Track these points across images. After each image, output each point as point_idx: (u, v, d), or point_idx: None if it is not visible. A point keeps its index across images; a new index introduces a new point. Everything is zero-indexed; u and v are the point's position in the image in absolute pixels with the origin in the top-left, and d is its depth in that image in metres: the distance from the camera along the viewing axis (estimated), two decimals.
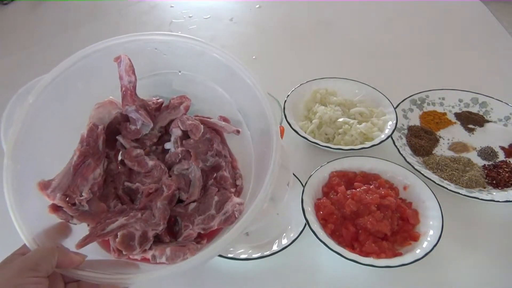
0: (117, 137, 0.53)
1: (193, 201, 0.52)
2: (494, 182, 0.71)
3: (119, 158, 0.54)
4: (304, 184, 0.64)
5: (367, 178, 0.68)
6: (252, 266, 0.60)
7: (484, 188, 0.70)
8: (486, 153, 0.77)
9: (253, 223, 0.44)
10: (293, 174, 0.69)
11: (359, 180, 0.67)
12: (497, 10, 1.26)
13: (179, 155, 0.53)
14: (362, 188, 0.63)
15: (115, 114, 0.52)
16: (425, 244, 0.57)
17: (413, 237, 0.60)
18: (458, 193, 0.66)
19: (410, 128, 0.82)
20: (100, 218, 0.47)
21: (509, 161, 0.75)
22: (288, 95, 0.81)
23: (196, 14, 1.24)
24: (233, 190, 0.54)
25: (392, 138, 0.74)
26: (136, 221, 0.47)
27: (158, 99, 0.57)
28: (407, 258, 0.55)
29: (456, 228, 0.64)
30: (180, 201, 0.53)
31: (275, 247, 0.59)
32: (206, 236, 0.49)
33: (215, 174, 0.54)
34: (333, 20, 1.21)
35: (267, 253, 0.58)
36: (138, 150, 0.52)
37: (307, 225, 0.58)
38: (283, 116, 0.76)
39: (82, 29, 1.18)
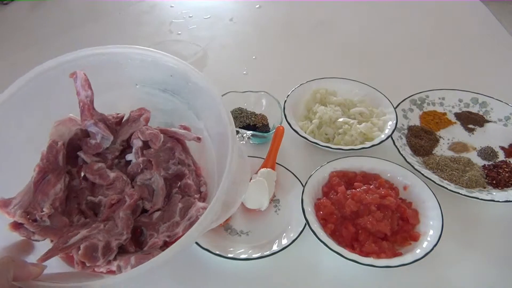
0: (78, 153, 0.53)
1: (158, 210, 0.52)
2: (494, 182, 0.71)
3: (82, 174, 0.54)
4: (304, 184, 0.64)
5: (367, 178, 0.68)
6: (252, 266, 0.60)
7: (484, 188, 0.70)
8: (486, 153, 0.77)
9: (212, 224, 0.44)
10: (293, 174, 0.69)
11: (359, 180, 0.67)
12: (497, 10, 1.26)
13: (141, 165, 0.54)
14: (362, 188, 0.63)
15: (75, 130, 0.52)
16: (425, 244, 0.57)
17: (413, 237, 0.60)
18: (458, 193, 0.66)
19: (410, 128, 0.81)
20: (62, 233, 0.47)
21: (509, 161, 0.75)
22: (288, 95, 0.81)
23: (196, 14, 1.24)
24: (197, 196, 0.54)
25: (392, 138, 0.74)
26: (99, 232, 0.47)
27: (118, 114, 0.57)
28: (407, 258, 0.55)
29: (456, 228, 0.64)
30: (144, 211, 0.53)
31: (275, 247, 0.59)
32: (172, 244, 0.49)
33: (179, 183, 0.55)
34: (333, 20, 1.21)
35: (267, 253, 0.58)
36: (100, 164, 0.53)
37: (307, 225, 0.58)
38: (283, 116, 0.76)
39: (82, 29, 1.18)
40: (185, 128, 0.58)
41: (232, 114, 0.80)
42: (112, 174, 0.52)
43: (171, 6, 1.29)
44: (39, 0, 1.31)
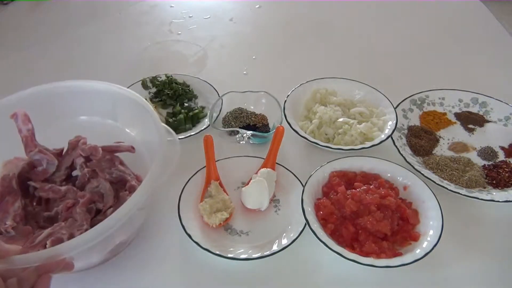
0: (28, 182, 0.59)
1: (110, 207, 0.58)
2: (494, 182, 0.71)
3: (35, 203, 0.61)
4: (304, 184, 0.64)
5: (367, 178, 0.68)
6: (252, 266, 0.60)
7: (484, 188, 0.70)
8: (486, 153, 0.77)
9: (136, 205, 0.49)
10: (293, 174, 0.69)
11: (359, 180, 0.67)
12: (497, 10, 1.26)
13: (87, 174, 0.60)
14: (362, 188, 0.63)
15: (22, 165, 0.60)
16: (425, 244, 0.57)
17: (413, 237, 0.60)
18: (458, 193, 0.66)
19: (410, 128, 0.82)
20: (27, 238, 0.53)
21: (509, 161, 0.75)
22: (288, 95, 0.81)
23: (196, 14, 1.24)
24: None
25: (392, 138, 0.74)
26: (62, 228, 0.53)
27: (57, 148, 0.64)
28: (407, 258, 0.55)
29: (456, 228, 0.64)
30: (98, 212, 0.58)
31: (275, 247, 0.59)
32: None
33: (125, 187, 0.60)
34: (333, 20, 1.21)
35: (267, 253, 0.58)
36: (50, 184, 0.59)
37: (307, 225, 0.58)
38: (283, 116, 0.76)
39: (82, 29, 1.18)
40: (118, 143, 0.64)
41: (232, 114, 0.80)
42: (63, 188, 0.58)
43: (171, 6, 1.29)
44: (39, 0, 1.31)
